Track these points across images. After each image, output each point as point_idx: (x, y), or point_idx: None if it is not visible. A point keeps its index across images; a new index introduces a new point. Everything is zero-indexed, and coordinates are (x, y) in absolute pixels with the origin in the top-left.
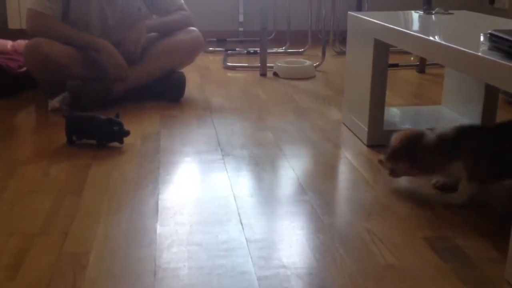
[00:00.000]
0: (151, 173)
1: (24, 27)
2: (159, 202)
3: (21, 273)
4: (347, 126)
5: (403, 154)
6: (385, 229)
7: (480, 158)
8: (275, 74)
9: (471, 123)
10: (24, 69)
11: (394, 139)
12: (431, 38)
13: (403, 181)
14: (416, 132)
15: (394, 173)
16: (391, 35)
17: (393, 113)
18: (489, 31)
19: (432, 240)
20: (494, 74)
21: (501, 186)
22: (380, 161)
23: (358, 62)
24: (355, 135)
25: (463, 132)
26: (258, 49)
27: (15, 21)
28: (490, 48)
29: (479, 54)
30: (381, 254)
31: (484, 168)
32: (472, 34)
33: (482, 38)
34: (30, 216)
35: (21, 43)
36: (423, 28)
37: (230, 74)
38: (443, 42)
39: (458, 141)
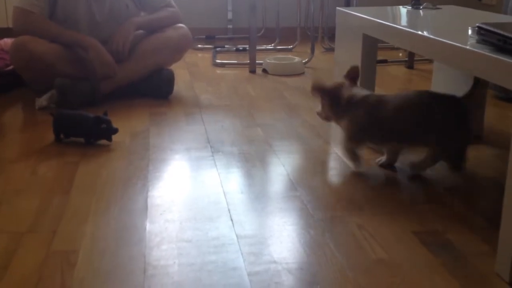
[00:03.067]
0: (140, 171)
1: (11, 25)
2: (149, 199)
3: (9, 271)
4: None
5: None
6: (375, 224)
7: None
8: (265, 71)
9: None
10: (11, 67)
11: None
12: (419, 32)
13: (395, 177)
14: (341, 84)
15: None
16: (380, 30)
17: None
18: (477, 24)
19: (422, 234)
20: (482, 67)
21: (490, 180)
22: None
23: (347, 58)
24: None
25: (368, 98)
26: (247, 46)
27: (2, 20)
28: (478, 41)
29: (468, 47)
30: (371, 249)
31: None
32: (460, 28)
33: (470, 32)
34: (18, 214)
35: (8, 41)
36: (412, 22)
37: (219, 71)
38: (431, 36)
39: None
